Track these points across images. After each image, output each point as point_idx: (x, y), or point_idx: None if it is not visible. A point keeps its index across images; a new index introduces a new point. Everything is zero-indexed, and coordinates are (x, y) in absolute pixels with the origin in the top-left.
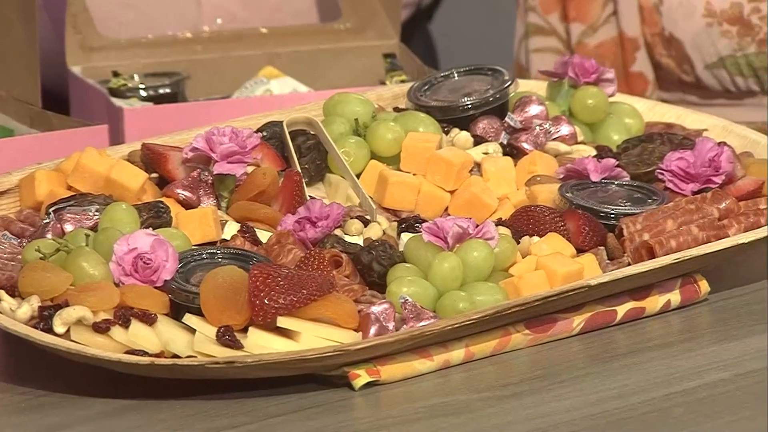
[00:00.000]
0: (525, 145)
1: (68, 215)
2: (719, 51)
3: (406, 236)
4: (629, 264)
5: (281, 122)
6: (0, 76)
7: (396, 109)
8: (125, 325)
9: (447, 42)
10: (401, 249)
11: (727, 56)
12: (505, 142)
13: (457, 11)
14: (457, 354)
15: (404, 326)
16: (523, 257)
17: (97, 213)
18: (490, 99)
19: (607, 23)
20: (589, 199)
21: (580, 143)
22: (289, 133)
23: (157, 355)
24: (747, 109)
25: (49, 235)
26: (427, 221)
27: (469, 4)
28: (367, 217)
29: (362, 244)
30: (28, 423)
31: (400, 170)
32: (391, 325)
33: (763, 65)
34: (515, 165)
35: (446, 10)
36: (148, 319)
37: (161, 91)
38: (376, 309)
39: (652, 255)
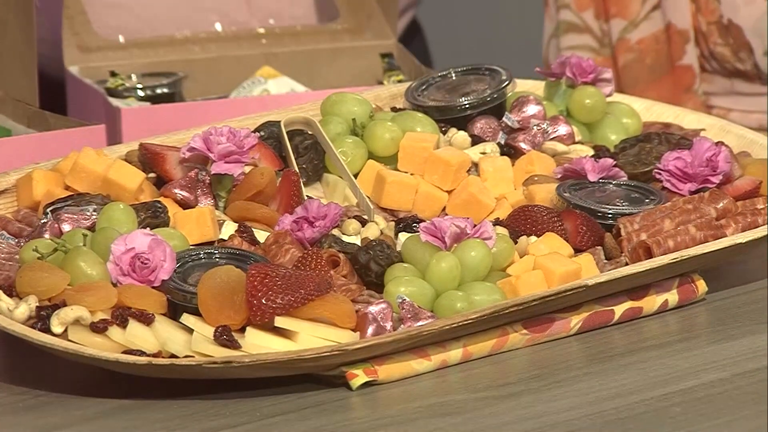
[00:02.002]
0: (522, 145)
1: (66, 215)
2: None
3: (403, 236)
4: (627, 264)
5: (279, 122)
6: None
7: (393, 109)
8: (123, 325)
9: (445, 42)
10: (399, 249)
11: None
12: (502, 142)
13: (457, 11)
14: (454, 354)
15: (402, 326)
16: (521, 257)
17: (95, 213)
18: (488, 99)
19: (648, 19)
20: (586, 199)
21: (577, 143)
22: (287, 132)
23: (154, 355)
24: None
25: (46, 235)
26: (424, 221)
27: (468, 4)
28: (365, 216)
29: (360, 244)
30: (25, 423)
31: (398, 170)
32: (388, 325)
33: None
34: (513, 165)
35: (446, 10)
36: (146, 319)
37: (159, 90)
38: (373, 309)
39: (649, 255)
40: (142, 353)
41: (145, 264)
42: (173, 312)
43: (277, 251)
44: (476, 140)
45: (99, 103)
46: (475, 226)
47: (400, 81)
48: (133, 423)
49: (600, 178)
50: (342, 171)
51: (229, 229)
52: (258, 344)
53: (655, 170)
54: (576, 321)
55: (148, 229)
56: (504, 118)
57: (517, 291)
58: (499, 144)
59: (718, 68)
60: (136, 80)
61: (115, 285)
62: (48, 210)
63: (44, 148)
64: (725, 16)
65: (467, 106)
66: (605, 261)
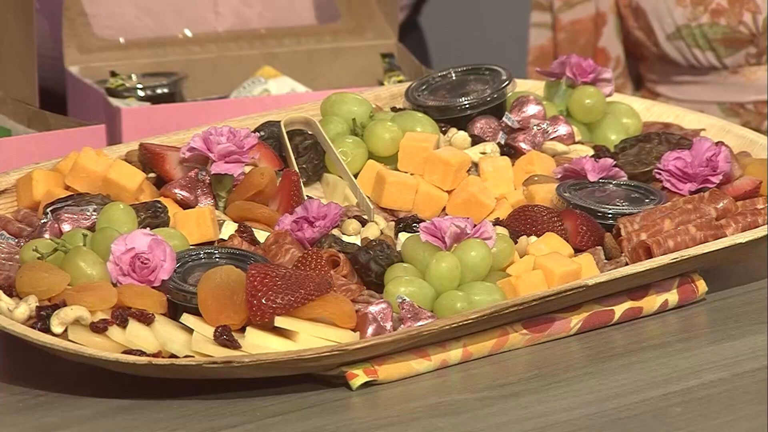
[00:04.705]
0: (522, 145)
1: (66, 215)
2: (675, 20)
3: (403, 236)
4: (627, 264)
5: (279, 122)
6: None
7: (393, 109)
8: (123, 324)
9: (446, 42)
10: (399, 249)
11: (683, 26)
12: (502, 142)
13: (457, 11)
14: (454, 354)
15: (402, 326)
16: (521, 257)
17: (95, 213)
18: (488, 99)
19: (588, 1)
20: (586, 199)
21: (577, 143)
22: (287, 132)
23: (154, 355)
24: (716, 88)
25: (46, 235)
26: (424, 221)
27: (468, 4)
28: (365, 216)
29: (360, 244)
30: (25, 423)
31: (398, 170)
32: (388, 325)
33: (717, 37)
34: (513, 165)
35: (446, 11)
36: (146, 318)
37: (159, 91)
38: (373, 309)
39: (649, 255)
40: (142, 353)
41: (145, 264)
42: (173, 312)
43: (277, 251)
44: (476, 140)
45: (99, 103)
46: (475, 226)
47: (400, 81)
48: (133, 423)
49: (600, 178)
50: (342, 171)
51: (229, 229)
52: (258, 344)
53: (655, 170)
54: (576, 321)
55: (148, 229)
56: (504, 118)
57: (517, 291)
58: (499, 144)
59: (648, 54)
60: (137, 80)
61: (115, 285)
62: (48, 210)
63: (44, 148)
64: None
65: (467, 106)
66: (605, 261)
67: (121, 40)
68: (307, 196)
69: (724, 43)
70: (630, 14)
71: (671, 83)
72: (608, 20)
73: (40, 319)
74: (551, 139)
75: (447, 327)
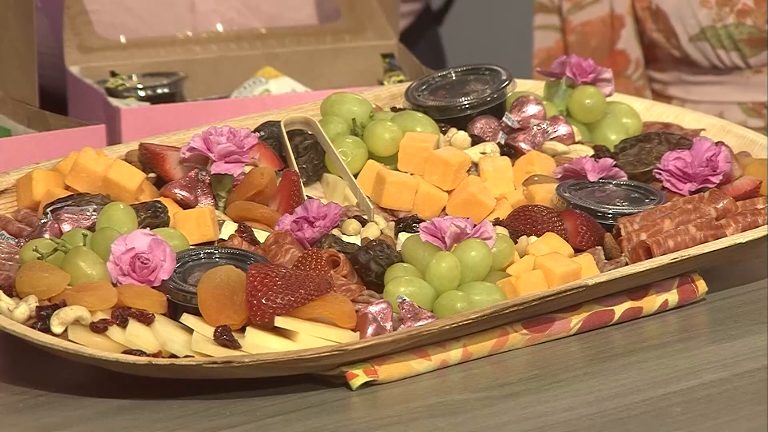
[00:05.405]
0: (522, 145)
1: (66, 215)
2: (700, 21)
3: (403, 236)
4: (627, 264)
5: (279, 122)
6: None
7: (393, 109)
8: (123, 324)
9: (447, 43)
10: (399, 249)
11: (707, 27)
12: (502, 142)
13: (459, 12)
14: (454, 354)
15: (402, 326)
16: (521, 257)
17: (95, 213)
18: (488, 99)
19: (597, 3)
20: (586, 199)
21: (577, 143)
22: (287, 132)
23: (154, 355)
24: (738, 88)
25: (46, 235)
26: (424, 221)
27: (470, 5)
28: (365, 216)
29: (360, 244)
30: (25, 423)
31: (398, 170)
32: (388, 325)
33: (742, 37)
34: (513, 165)
35: (448, 15)
36: (146, 318)
37: (159, 91)
38: (373, 309)
39: (649, 255)
40: (142, 353)
41: (145, 264)
42: (173, 312)
43: (277, 251)
44: (476, 140)
45: (99, 103)
46: (475, 226)
47: (400, 81)
48: (133, 423)
49: (600, 178)
50: (342, 171)
51: (229, 229)
52: (258, 344)
53: (655, 170)
54: (576, 321)
55: (148, 229)
56: (504, 118)
57: (517, 291)
58: (499, 144)
59: (663, 56)
60: (137, 80)
61: (115, 285)
62: (48, 210)
63: (44, 148)
64: (654, 1)
65: (467, 106)
66: (605, 261)
67: (122, 39)
68: (307, 196)
69: (750, 43)
70: (649, 16)
71: (688, 84)
72: (626, 22)
73: (40, 319)
74: (551, 139)
75: (447, 327)
